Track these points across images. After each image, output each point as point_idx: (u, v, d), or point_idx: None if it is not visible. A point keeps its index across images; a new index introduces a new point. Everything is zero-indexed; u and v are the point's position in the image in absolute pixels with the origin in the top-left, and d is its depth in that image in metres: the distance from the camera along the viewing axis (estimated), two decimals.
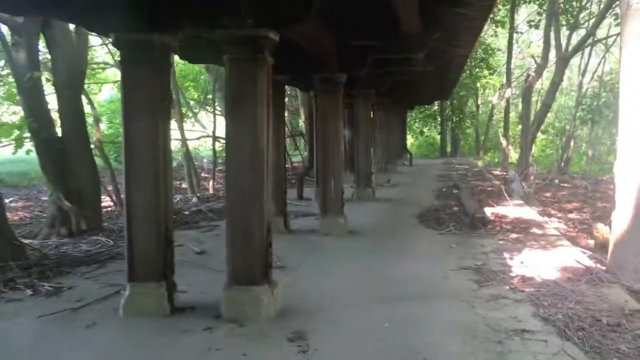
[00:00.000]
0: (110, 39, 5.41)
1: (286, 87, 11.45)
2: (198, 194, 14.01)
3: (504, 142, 24.23)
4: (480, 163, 26.29)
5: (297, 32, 6.35)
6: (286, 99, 26.60)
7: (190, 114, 19.19)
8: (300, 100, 24.90)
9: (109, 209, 11.78)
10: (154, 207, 5.08)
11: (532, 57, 21.94)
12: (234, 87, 5.01)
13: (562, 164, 22.02)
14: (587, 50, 23.21)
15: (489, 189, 14.96)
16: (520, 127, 35.32)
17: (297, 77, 9.40)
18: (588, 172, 23.81)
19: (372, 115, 17.62)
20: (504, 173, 22.24)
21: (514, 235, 8.55)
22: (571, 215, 13.07)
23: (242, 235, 5.00)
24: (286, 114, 28.90)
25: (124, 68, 5.24)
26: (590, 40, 20.01)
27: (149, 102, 5.03)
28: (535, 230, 8.97)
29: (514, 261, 6.97)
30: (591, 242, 9.75)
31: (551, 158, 25.90)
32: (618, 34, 23.94)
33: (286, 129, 23.05)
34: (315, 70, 8.77)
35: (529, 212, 11.10)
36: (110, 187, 12.14)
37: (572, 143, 23.51)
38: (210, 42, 5.84)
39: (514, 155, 27.21)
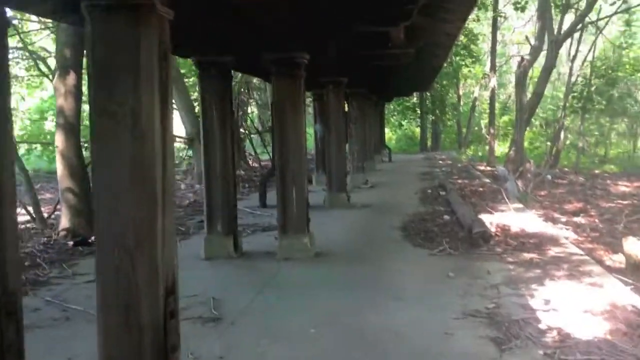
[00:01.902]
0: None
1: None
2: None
3: (489, 135, 22.49)
4: (464, 158, 24.56)
5: None
6: (257, 93, 24.59)
7: None
8: (269, 92, 22.92)
9: (27, 225, 9.61)
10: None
11: (526, 38, 20.18)
12: (101, 55, 2.99)
13: (552, 158, 20.35)
14: (576, 35, 21.52)
15: (480, 189, 13.15)
16: (503, 118, 33.86)
17: (246, 58, 7.40)
18: (579, 166, 22.22)
19: (346, 108, 15.77)
20: (492, 169, 20.52)
21: (525, 256, 6.68)
22: (577, 219, 11.31)
23: (118, 311, 2.99)
24: (255, 110, 26.82)
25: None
26: (587, 20, 18.30)
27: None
28: (550, 247, 7.12)
29: (537, 300, 5.09)
30: (616, 257, 8.00)
31: (539, 151, 24.31)
32: (611, 15, 22.53)
33: (245, 125, 21.13)
34: (269, 49, 6.81)
35: (533, 220, 9.30)
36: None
37: (562, 134, 21.90)
38: None
39: (497, 148, 25.54)
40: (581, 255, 6.79)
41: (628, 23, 28.06)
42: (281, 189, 7.00)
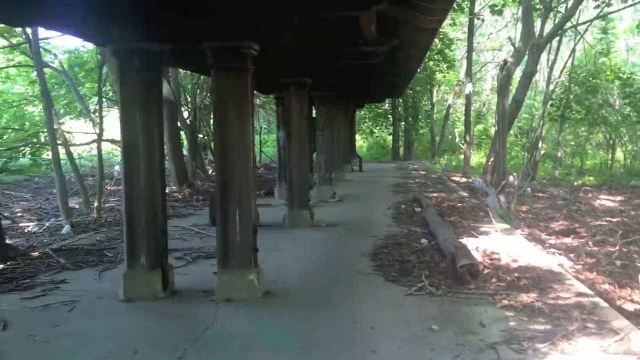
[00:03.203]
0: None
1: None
2: (75, 219, 10.35)
3: (464, 144, 21.36)
4: (438, 167, 23.42)
5: None
6: None
7: (84, 111, 15.43)
8: None
9: None
10: None
11: (509, 39, 19.11)
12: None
13: (530, 169, 19.29)
14: (554, 40, 20.56)
15: (459, 204, 11.88)
16: (477, 127, 32.97)
17: (183, 47, 5.95)
18: (557, 177, 21.25)
19: (313, 114, 14.43)
20: (467, 180, 19.39)
21: (524, 298, 5.36)
22: (568, 241, 10.11)
23: None
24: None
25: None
26: (568, 25, 17.32)
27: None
28: (550, 285, 5.82)
29: None
30: (624, 293, 6.79)
31: (515, 162, 23.30)
32: (593, 19, 21.68)
33: (206, 131, 19.57)
34: (208, 36, 5.39)
35: (523, 245, 8.04)
36: None
37: (540, 144, 20.89)
38: None
39: (471, 158, 24.46)
40: (591, 296, 5.50)
41: (604, 30, 27.52)
42: (221, 210, 5.57)
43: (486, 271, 6.36)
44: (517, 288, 5.70)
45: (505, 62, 13.04)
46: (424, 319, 4.85)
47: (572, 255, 8.80)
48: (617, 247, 9.36)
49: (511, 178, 12.13)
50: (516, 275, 6.17)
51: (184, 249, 7.77)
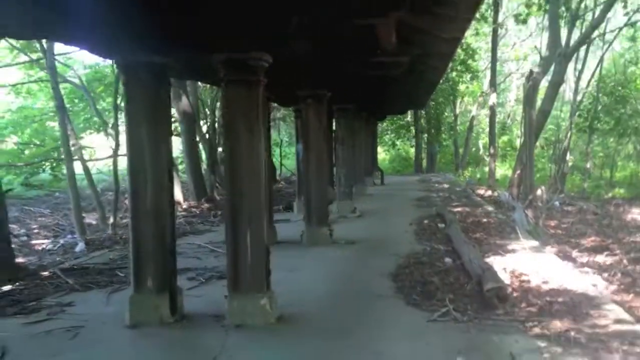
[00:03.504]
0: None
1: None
2: (91, 235, 10.16)
3: (489, 156, 20.83)
4: (462, 180, 22.89)
5: None
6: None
7: (102, 126, 15.39)
8: None
9: None
10: None
11: (536, 48, 18.63)
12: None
13: (558, 182, 18.70)
14: (582, 49, 19.99)
15: (484, 219, 11.43)
16: (502, 139, 32.30)
17: (193, 60, 5.70)
18: (586, 190, 20.56)
19: (333, 127, 14.13)
20: (493, 193, 18.85)
21: (558, 325, 4.94)
22: (600, 259, 9.59)
23: None
24: None
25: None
26: (595, 33, 16.78)
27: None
28: (586, 310, 5.38)
29: None
30: None
31: (542, 174, 22.65)
32: (622, 27, 21.04)
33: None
34: (216, 48, 5.13)
35: (554, 264, 7.58)
36: None
37: (568, 156, 20.25)
38: None
39: (496, 171, 23.85)
40: (632, 323, 5.05)
41: (633, 38, 26.74)
42: (231, 232, 5.27)
43: (515, 294, 5.94)
44: (549, 314, 5.27)
45: (532, 72, 12.58)
46: (449, 350, 4.47)
47: (606, 274, 8.30)
48: None
49: (539, 192, 11.63)
50: (548, 299, 5.74)
51: (198, 269, 7.49)
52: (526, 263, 7.43)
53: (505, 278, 6.53)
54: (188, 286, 6.57)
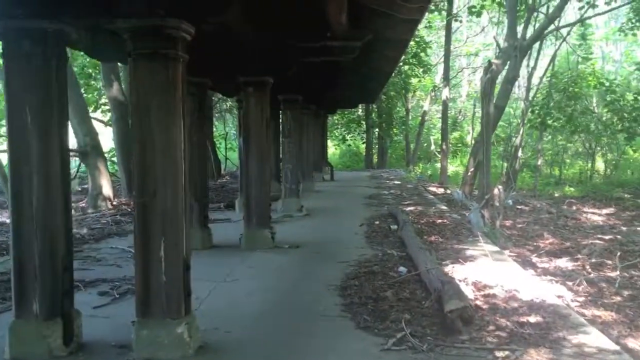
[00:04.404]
0: None
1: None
2: None
3: (440, 152, 20.30)
4: (413, 177, 22.32)
5: None
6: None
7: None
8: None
9: None
10: None
11: (494, 39, 18.11)
12: None
13: (509, 180, 18.31)
14: (534, 46, 19.65)
15: (439, 220, 10.71)
16: (452, 135, 32.01)
17: (88, 28, 4.58)
18: (537, 188, 20.31)
19: (280, 119, 13.18)
20: (445, 191, 18.31)
21: (533, 355, 4.16)
22: (561, 263, 9.00)
23: None
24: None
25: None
26: (551, 27, 16.35)
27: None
28: (561, 332, 4.63)
29: None
30: None
31: (493, 171, 22.26)
32: (576, 22, 20.90)
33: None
34: (122, 13, 4.09)
35: (517, 272, 6.88)
36: None
37: (520, 153, 19.92)
38: None
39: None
40: (613, 350, 4.32)
41: (584, 37, 26.84)
42: (140, 243, 4.24)
43: (480, 312, 5.15)
44: (522, 340, 4.48)
45: (490, 63, 11.94)
46: None
47: (570, 282, 7.67)
48: (618, 272, 8.28)
49: (496, 191, 11.01)
50: (517, 319, 4.97)
51: (114, 280, 6.39)
52: (488, 272, 6.69)
53: (468, 291, 5.75)
54: (96, 303, 5.51)
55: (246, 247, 8.13)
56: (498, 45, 16.04)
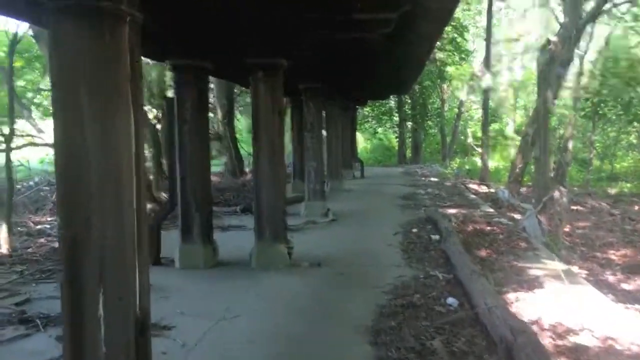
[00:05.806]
0: None
1: None
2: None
3: (481, 147, 18.54)
4: (449, 173, 20.60)
5: None
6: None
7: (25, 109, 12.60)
8: (216, 91, 18.85)
9: None
10: None
11: (552, 12, 16.28)
12: None
13: (559, 176, 16.45)
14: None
15: (487, 227, 9.10)
16: (491, 126, 29.99)
17: None
18: (589, 184, 18.38)
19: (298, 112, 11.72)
20: (488, 189, 16.58)
21: None
22: None
23: None
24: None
25: None
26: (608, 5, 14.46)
27: None
28: None
29: None
30: None
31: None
32: None
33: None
34: None
35: (603, 303, 5.28)
36: None
37: (571, 146, 18.03)
38: None
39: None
40: None
41: (636, 17, 24.53)
42: (69, 295, 2.82)
43: None
44: None
45: (549, 41, 10.20)
46: None
47: None
48: None
49: (557, 193, 9.29)
50: None
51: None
52: (564, 305, 5.12)
53: (545, 340, 4.20)
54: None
55: (257, 266, 6.69)
56: (557, 21, 14.17)
